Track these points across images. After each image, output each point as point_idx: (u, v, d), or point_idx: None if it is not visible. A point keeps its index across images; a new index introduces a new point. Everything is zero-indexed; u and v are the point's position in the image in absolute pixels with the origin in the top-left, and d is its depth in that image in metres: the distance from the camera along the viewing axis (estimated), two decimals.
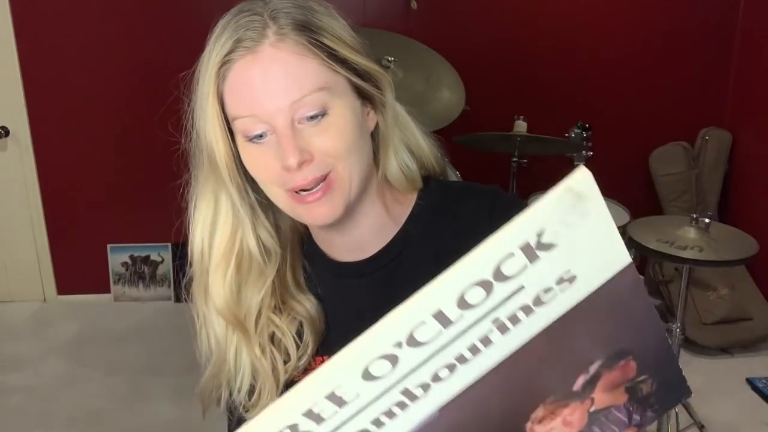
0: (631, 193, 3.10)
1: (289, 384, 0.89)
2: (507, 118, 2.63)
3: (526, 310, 0.53)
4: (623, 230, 2.35)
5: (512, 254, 0.50)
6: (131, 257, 3.37)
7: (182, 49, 3.39)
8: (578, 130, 2.52)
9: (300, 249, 0.95)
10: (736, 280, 3.06)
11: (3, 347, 3.01)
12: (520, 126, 2.58)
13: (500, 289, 0.51)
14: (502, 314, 0.53)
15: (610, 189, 2.96)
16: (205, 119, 0.83)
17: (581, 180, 0.51)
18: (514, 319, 0.53)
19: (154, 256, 3.38)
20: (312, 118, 0.79)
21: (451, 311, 0.52)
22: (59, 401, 2.66)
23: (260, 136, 0.80)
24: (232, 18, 0.82)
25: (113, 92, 3.15)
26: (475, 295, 0.51)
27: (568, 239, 0.51)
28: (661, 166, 3.30)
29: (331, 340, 0.92)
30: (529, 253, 0.51)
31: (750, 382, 2.75)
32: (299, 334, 0.90)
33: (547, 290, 0.53)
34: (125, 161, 3.24)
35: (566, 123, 2.58)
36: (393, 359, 0.53)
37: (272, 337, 0.90)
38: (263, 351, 0.89)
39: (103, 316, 3.26)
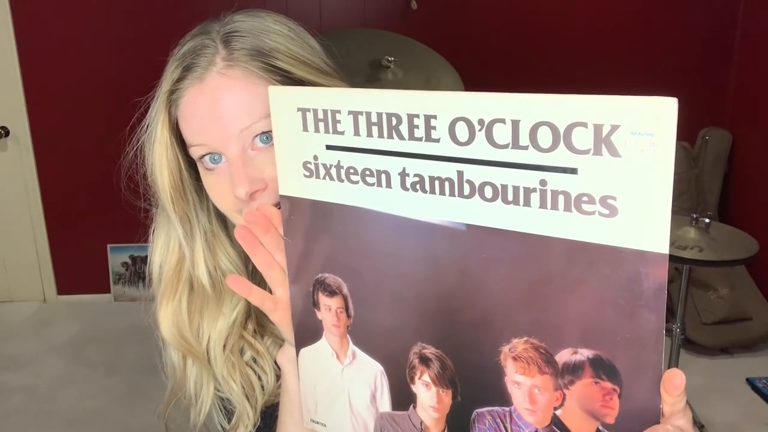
0: None
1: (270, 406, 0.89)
2: None
3: (567, 200, 0.51)
4: None
5: (586, 125, 0.51)
6: (131, 257, 3.38)
7: None
8: None
9: None
10: (736, 280, 3.06)
11: (3, 347, 3.01)
12: None
13: (562, 153, 0.51)
14: (550, 183, 0.51)
15: None
16: (152, 149, 0.83)
17: (666, 105, 0.51)
18: (554, 199, 0.51)
19: None
20: (265, 141, 0.76)
21: (524, 133, 0.53)
22: (59, 401, 2.66)
23: (215, 160, 0.78)
24: (186, 42, 0.82)
25: (113, 92, 3.14)
26: (544, 137, 0.52)
27: (630, 161, 0.50)
28: None
29: None
30: (598, 138, 0.50)
31: (750, 382, 2.75)
32: None
33: (590, 199, 0.50)
34: (125, 161, 3.23)
35: None
36: (471, 130, 0.55)
37: (255, 359, 0.90)
38: (231, 377, 0.88)
39: (103, 316, 3.26)
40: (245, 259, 0.87)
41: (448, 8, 3.11)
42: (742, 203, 3.34)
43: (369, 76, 2.55)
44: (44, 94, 3.12)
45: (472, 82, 2.75)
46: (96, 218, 3.31)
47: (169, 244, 0.88)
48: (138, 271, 3.39)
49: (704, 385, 2.69)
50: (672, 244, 2.00)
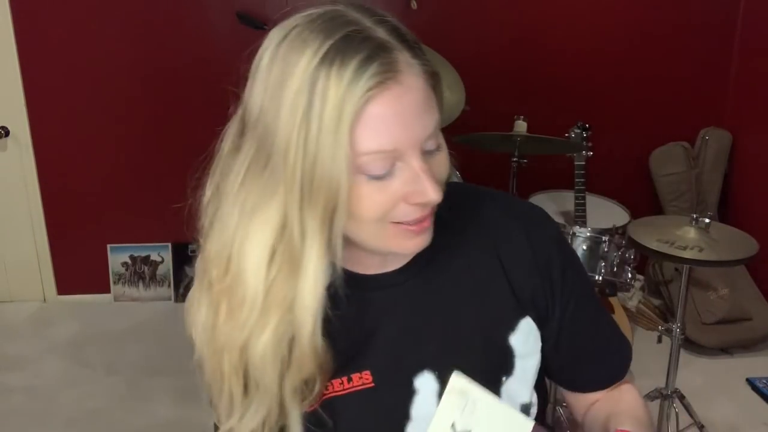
0: (631, 193, 3.10)
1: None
2: (507, 118, 2.63)
3: None
4: (623, 230, 2.35)
5: None
6: (131, 257, 3.37)
7: (182, 49, 3.42)
8: (578, 130, 2.52)
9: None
10: (736, 280, 3.06)
11: (3, 347, 3.01)
12: (520, 126, 2.57)
13: None
14: None
15: (610, 189, 2.99)
16: (333, 154, 0.71)
17: (456, 381, 0.76)
18: None
19: (154, 256, 3.38)
20: (431, 152, 0.76)
21: None
22: (59, 401, 2.66)
23: (385, 174, 0.74)
24: (342, 37, 0.72)
25: (113, 92, 3.15)
26: None
27: (477, 423, 0.75)
28: (661, 166, 3.30)
29: (361, 357, 0.88)
30: None
31: (750, 382, 2.75)
32: None
33: None
34: (125, 161, 3.24)
35: (566, 123, 2.58)
36: None
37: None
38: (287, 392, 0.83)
39: (103, 316, 3.26)
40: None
41: (448, 8, 3.11)
42: (742, 203, 3.34)
43: None
44: (44, 94, 3.12)
45: (472, 83, 2.75)
46: (96, 218, 3.31)
47: (275, 258, 0.79)
48: (138, 271, 3.39)
49: (704, 385, 2.69)
50: (672, 244, 2.00)
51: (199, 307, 0.85)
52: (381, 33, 0.73)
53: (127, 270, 3.38)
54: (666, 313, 3.19)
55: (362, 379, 0.88)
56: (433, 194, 0.74)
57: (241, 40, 3.45)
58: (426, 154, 0.75)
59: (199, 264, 0.87)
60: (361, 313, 0.88)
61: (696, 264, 1.99)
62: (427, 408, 0.88)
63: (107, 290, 3.39)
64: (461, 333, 0.89)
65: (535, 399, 0.95)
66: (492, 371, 0.90)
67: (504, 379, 0.91)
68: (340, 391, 0.87)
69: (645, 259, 3.19)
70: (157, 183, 3.27)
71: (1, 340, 3.06)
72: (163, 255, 3.38)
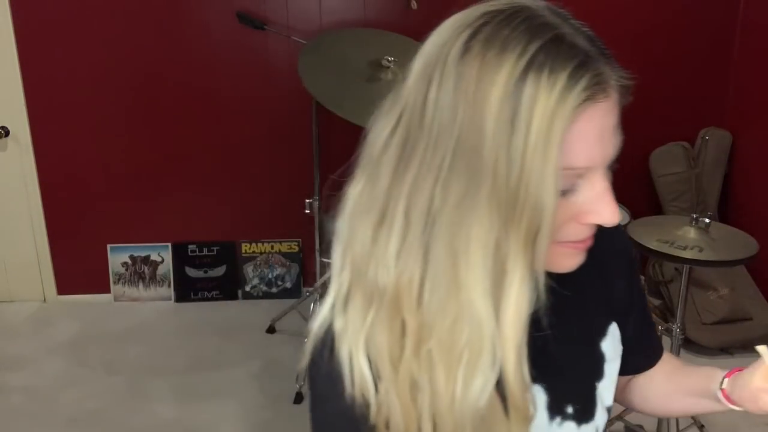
0: (631, 193, 3.10)
1: None
2: None
3: None
4: (623, 230, 2.35)
5: None
6: (131, 257, 3.37)
7: (182, 49, 3.42)
8: None
9: None
10: (736, 280, 3.06)
11: (3, 347, 3.01)
12: None
13: None
14: None
15: None
16: (542, 168, 0.64)
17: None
18: None
19: (154, 256, 3.38)
20: (609, 169, 0.72)
21: None
22: (59, 401, 2.66)
23: (573, 189, 0.68)
24: (552, 42, 0.65)
25: (113, 92, 3.15)
26: None
27: None
28: (661, 166, 3.30)
29: None
30: None
31: None
32: None
33: None
34: (125, 161, 3.24)
35: None
36: None
37: None
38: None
39: (103, 316, 3.26)
40: None
41: (448, 8, 3.10)
42: (742, 203, 3.34)
43: (369, 76, 2.55)
44: (44, 94, 3.12)
45: None
46: (96, 218, 3.31)
47: (503, 286, 0.68)
48: (138, 271, 3.39)
49: None
50: (672, 244, 2.00)
51: (376, 333, 0.71)
52: (582, 41, 0.66)
53: (127, 270, 3.38)
54: (666, 313, 3.19)
55: None
56: (613, 216, 0.69)
57: (241, 40, 3.48)
58: (607, 173, 0.71)
59: (360, 282, 0.72)
60: None
61: (696, 264, 1.99)
62: (538, 421, 0.83)
63: (107, 290, 3.39)
64: (563, 345, 0.84)
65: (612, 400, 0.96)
66: (589, 378, 0.89)
67: (597, 384, 0.90)
68: None
69: (645, 259, 3.19)
70: (157, 183, 3.27)
71: (1, 340, 3.06)
72: (163, 255, 3.38)
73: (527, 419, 0.72)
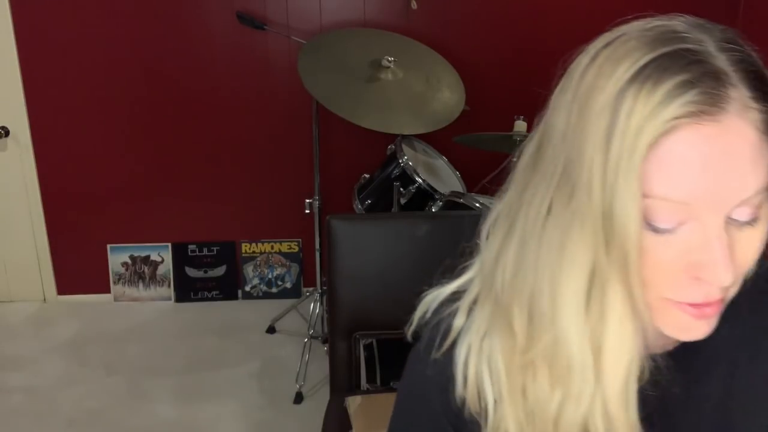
0: None
1: None
2: (507, 118, 2.63)
3: None
4: None
5: None
6: (131, 257, 3.37)
7: (182, 49, 3.42)
8: None
9: None
10: None
11: (3, 347, 3.01)
12: (520, 126, 2.58)
13: None
14: None
15: None
16: (625, 189, 0.58)
17: None
18: None
19: (154, 256, 3.38)
20: (743, 223, 0.60)
21: None
22: (59, 401, 2.66)
23: (670, 229, 0.60)
24: (671, 55, 0.59)
25: (113, 92, 3.15)
26: None
27: None
28: None
29: None
30: None
31: None
32: None
33: None
34: (125, 161, 3.24)
35: None
36: None
37: None
38: None
39: (103, 316, 3.26)
40: None
41: (448, 8, 3.11)
42: None
43: (369, 76, 2.55)
44: (44, 94, 3.12)
45: (472, 83, 2.75)
46: (96, 218, 3.31)
47: (609, 323, 0.63)
48: (138, 271, 3.39)
49: None
50: None
51: (494, 337, 0.71)
52: (721, 61, 0.59)
53: (127, 270, 3.38)
54: None
55: None
56: (722, 273, 0.58)
57: (241, 40, 3.48)
58: (733, 224, 0.59)
59: (487, 289, 0.72)
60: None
61: None
62: None
63: (107, 290, 3.39)
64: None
65: None
66: None
67: None
68: None
69: None
70: (158, 183, 3.27)
71: (1, 340, 3.06)
72: (163, 255, 3.38)
73: None
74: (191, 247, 3.38)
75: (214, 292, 3.41)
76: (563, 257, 0.62)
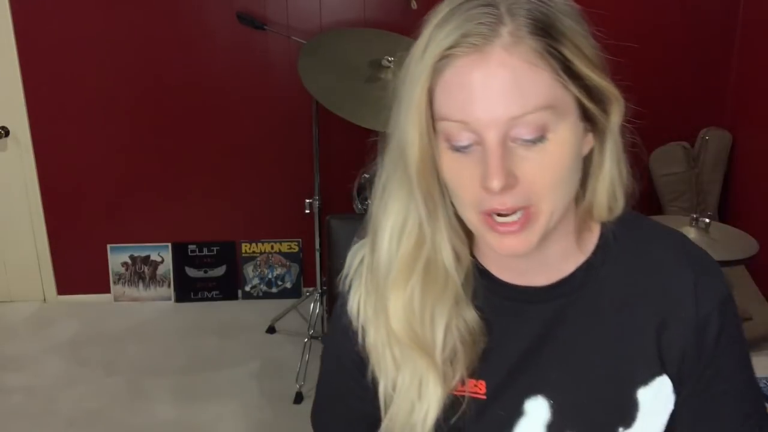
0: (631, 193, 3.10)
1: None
2: None
3: None
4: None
5: None
6: (131, 257, 3.37)
7: (182, 49, 3.42)
8: None
9: (475, 260, 0.85)
10: (736, 280, 3.06)
11: (3, 347, 3.01)
12: None
13: None
14: None
15: None
16: (407, 115, 0.73)
17: None
18: None
19: (154, 256, 3.38)
20: (528, 142, 0.70)
21: None
22: (59, 401, 2.66)
23: (466, 146, 0.71)
24: (461, 3, 0.70)
25: (113, 92, 3.15)
26: None
27: None
28: (661, 166, 3.30)
29: (482, 363, 0.84)
30: None
31: None
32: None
33: None
34: (125, 161, 3.24)
35: None
36: None
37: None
38: (446, 376, 0.81)
39: (103, 316, 3.26)
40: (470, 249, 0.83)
41: None
42: (742, 203, 3.34)
43: (369, 76, 2.55)
44: (44, 94, 3.12)
45: None
46: (96, 218, 3.31)
47: (407, 225, 0.78)
48: (138, 271, 3.39)
49: None
50: None
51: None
52: (503, 5, 0.69)
53: (127, 270, 3.38)
54: None
55: (476, 387, 0.84)
56: (493, 180, 0.68)
57: (241, 40, 3.48)
58: (518, 143, 0.70)
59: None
60: (495, 319, 0.84)
61: None
62: None
63: (107, 290, 3.39)
64: (589, 372, 0.84)
65: None
66: (610, 419, 0.84)
67: (620, 430, 0.84)
68: (453, 391, 0.84)
69: None
70: (157, 183, 3.27)
71: (1, 340, 3.06)
72: (163, 255, 3.38)
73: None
74: (191, 247, 3.37)
75: (214, 292, 3.41)
76: (390, 182, 0.78)
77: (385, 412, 0.84)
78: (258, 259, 3.40)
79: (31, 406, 2.64)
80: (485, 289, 0.83)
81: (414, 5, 2.94)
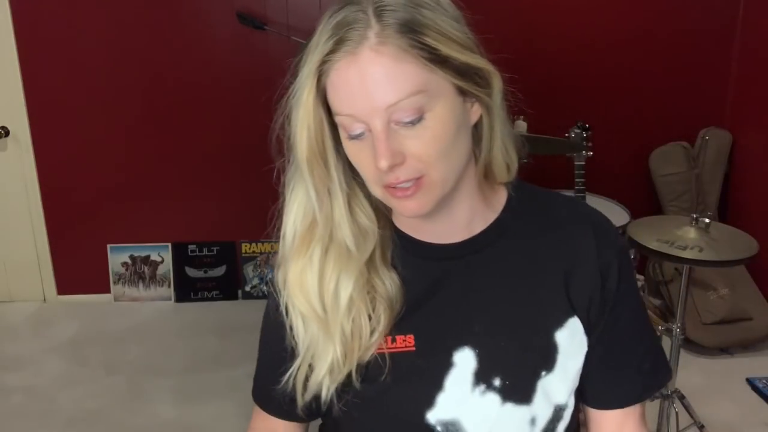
0: (631, 193, 3.10)
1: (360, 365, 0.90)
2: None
3: None
4: (623, 230, 2.36)
5: None
6: (131, 257, 3.38)
7: (182, 49, 3.41)
8: (578, 130, 2.52)
9: (392, 224, 0.95)
10: (736, 280, 3.06)
11: (3, 347, 3.01)
12: (520, 126, 2.57)
13: None
14: None
15: (610, 189, 2.98)
16: (296, 115, 0.85)
17: None
18: None
19: (154, 256, 3.38)
20: (409, 123, 0.79)
21: None
22: (59, 401, 2.66)
23: (360, 131, 0.81)
24: (337, 11, 0.80)
25: (113, 92, 3.15)
26: None
27: None
28: (661, 166, 3.30)
29: (407, 321, 0.91)
30: None
31: (750, 382, 2.75)
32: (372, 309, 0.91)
33: None
34: (125, 161, 3.24)
35: (566, 123, 2.58)
36: None
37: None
38: (346, 336, 0.89)
39: (103, 316, 3.26)
40: (376, 210, 0.91)
41: None
42: (742, 203, 3.34)
43: None
44: (44, 94, 3.12)
45: None
46: (96, 218, 3.31)
47: (303, 207, 0.91)
48: (138, 271, 3.39)
49: (704, 385, 2.69)
50: (672, 244, 1.99)
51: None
52: (370, 10, 0.78)
53: (127, 270, 3.38)
54: (666, 313, 3.19)
55: (405, 342, 0.91)
56: (380, 160, 0.79)
57: (241, 40, 3.47)
58: (401, 125, 0.79)
59: None
60: (416, 278, 0.92)
61: (696, 264, 1.99)
62: (461, 383, 0.91)
63: (107, 290, 3.39)
64: (508, 320, 0.92)
65: (571, 402, 0.95)
66: (533, 363, 0.91)
67: (543, 373, 0.91)
68: (383, 349, 0.91)
69: (645, 259, 3.19)
70: (157, 183, 3.27)
71: (1, 340, 3.06)
72: (163, 255, 3.38)
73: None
74: (191, 247, 3.38)
75: (214, 292, 3.41)
76: (291, 185, 0.93)
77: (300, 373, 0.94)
78: (258, 259, 3.40)
79: (31, 406, 2.64)
80: (404, 250, 0.93)
81: None
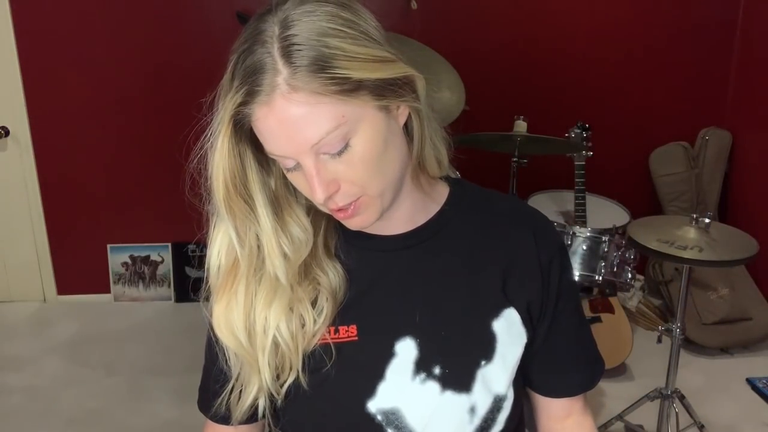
0: (631, 193, 3.10)
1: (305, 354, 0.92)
2: (507, 118, 2.63)
3: None
4: (623, 230, 2.36)
5: None
6: (131, 257, 3.38)
7: (182, 49, 3.41)
8: (578, 130, 2.52)
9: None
10: (736, 280, 3.06)
11: (3, 347, 3.01)
12: (520, 126, 2.58)
13: None
14: None
15: (610, 189, 2.99)
16: (212, 158, 0.86)
17: None
18: None
19: (154, 256, 3.38)
20: (335, 154, 0.80)
21: None
22: (59, 401, 2.66)
23: (294, 166, 0.82)
24: (245, 50, 0.80)
25: (113, 92, 3.15)
26: None
27: None
28: (661, 166, 3.30)
29: (350, 311, 0.93)
30: None
31: (750, 382, 2.75)
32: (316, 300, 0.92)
33: None
34: (125, 161, 3.24)
35: (566, 123, 2.58)
36: None
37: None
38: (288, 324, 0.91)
39: (103, 316, 3.26)
40: (314, 226, 0.92)
41: (448, 8, 3.11)
42: (742, 203, 3.34)
43: None
44: (44, 94, 3.12)
45: (472, 83, 2.75)
46: (96, 218, 3.31)
47: (227, 244, 0.93)
48: (138, 271, 3.39)
49: (704, 385, 2.69)
50: (672, 244, 2.00)
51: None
52: (269, 47, 0.78)
53: (127, 270, 3.38)
54: (666, 313, 3.19)
55: (348, 332, 0.93)
56: (316, 194, 0.81)
57: None
58: (330, 157, 0.80)
59: None
60: (360, 269, 0.94)
61: (696, 264, 1.99)
62: (402, 372, 0.92)
63: (107, 290, 3.39)
64: (448, 310, 0.94)
65: (511, 394, 0.97)
66: (472, 352, 0.94)
67: (483, 362, 0.93)
68: (327, 339, 0.92)
69: (645, 259, 3.19)
70: (157, 183, 3.27)
71: (1, 340, 3.06)
72: (163, 255, 3.38)
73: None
74: (191, 247, 3.38)
75: None
76: (214, 221, 0.96)
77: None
78: None
79: (31, 406, 2.64)
80: (348, 242, 0.94)
81: (414, 5, 2.94)
